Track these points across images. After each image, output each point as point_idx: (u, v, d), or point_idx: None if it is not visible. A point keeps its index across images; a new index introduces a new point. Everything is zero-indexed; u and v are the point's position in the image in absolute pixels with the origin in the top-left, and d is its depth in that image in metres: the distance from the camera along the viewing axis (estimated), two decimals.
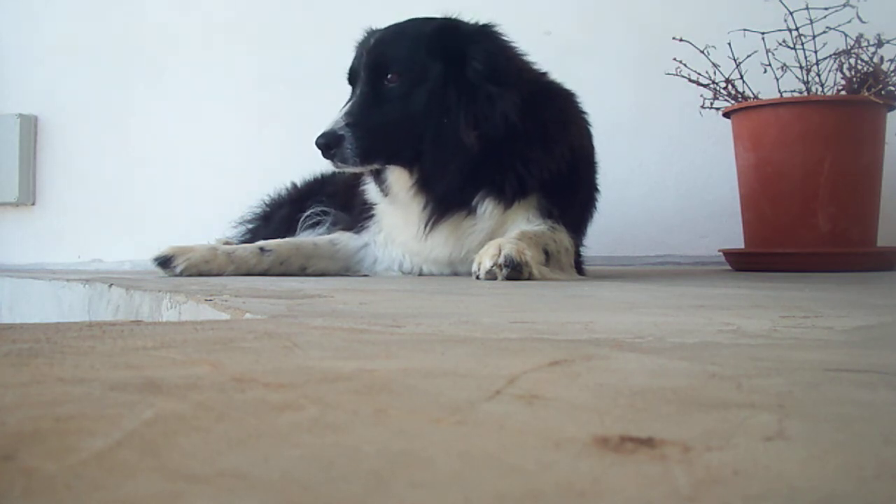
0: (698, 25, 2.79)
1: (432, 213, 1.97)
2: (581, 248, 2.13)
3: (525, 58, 2.05)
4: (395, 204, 2.06)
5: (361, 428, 0.35)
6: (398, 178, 2.02)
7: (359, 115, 1.91)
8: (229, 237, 2.76)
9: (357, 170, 2.00)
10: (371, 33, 2.05)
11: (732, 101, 2.55)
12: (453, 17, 2.01)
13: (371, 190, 2.15)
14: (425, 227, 1.98)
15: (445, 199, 1.96)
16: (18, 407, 0.38)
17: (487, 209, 1.95)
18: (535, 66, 2.08)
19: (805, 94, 2.47)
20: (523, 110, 1.91)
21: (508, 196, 1.94)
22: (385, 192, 2.07)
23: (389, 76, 1.94)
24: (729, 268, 2.61)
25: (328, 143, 1.88)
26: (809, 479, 0.29)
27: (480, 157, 1.90)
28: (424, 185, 1.96)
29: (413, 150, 1.94)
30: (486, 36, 1.94)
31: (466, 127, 1.87)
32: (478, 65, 1.88)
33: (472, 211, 1.96)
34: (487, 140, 1.89)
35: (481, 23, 2.00)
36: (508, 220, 1.96)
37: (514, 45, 2.03)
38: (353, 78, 2.03)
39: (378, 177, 2.08)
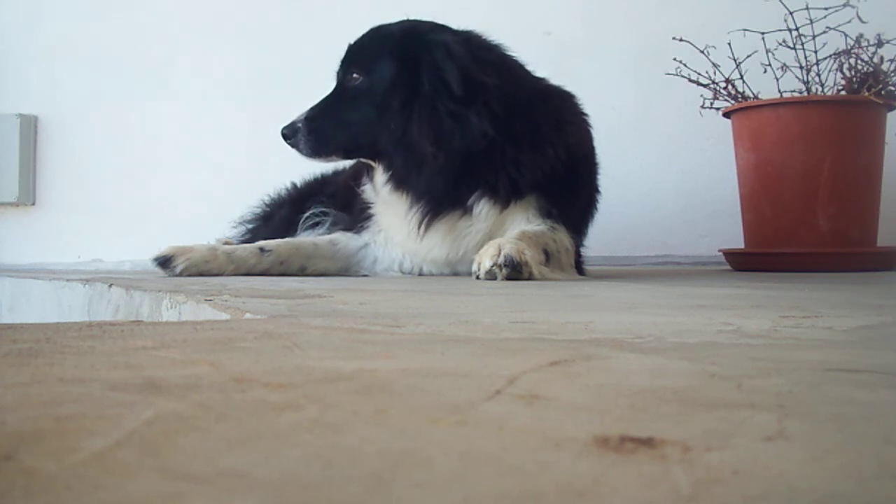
0: (698, 25, 2.79)
1: (424, 213, 1.97)
2: (581, 248, 2.13)
3: (513, 60, 2.04)
4: (384, 201, 2.07)
5: (361, 428, 0.35)
6: (378, 174, 2.05)
7: (319, 110, 2.06)
8: (229, 237, 2.76)
9: (313, 160, 2.13)
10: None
11: (732, 101, 2.55)
12: (440, 21, 2.02)
13: (368, 189, 2.15)
14: (419, 227, 1.98)
15: (434, 199, 1.96)
16: (18, 407, 0.38)
17: (483, 209, 1.95)
18: (531, 72, 2.07)
19: (805, 94, 2.47)
20: (511, 117, 1.91)
21: (503, 197, 1.94)
22: (374, 188, 2.09)
23: (354, 74, 2.02)
24: (729, 268, 2.61)
25: (287, 133, 2.05)
26: (809, 479, 0.29)
27: (461, 159, 1.90)
28: (400, 183, 1.99)
29: (371, 148, 2.02)
30: (442, 47, 1.89)
31: (422, 139, 1.88)
32: (431, 77, 1.88)
33: (467, 211, 1.96)
34: (459, 149, 1.88)
35: (472, 32, 2.00)
36: (507, 220, 1.95)
37: (503, 53, 2.02)
38: (337, 75, 2.10)
39: (370, 174, 2.10)
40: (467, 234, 1.97)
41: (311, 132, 2.02)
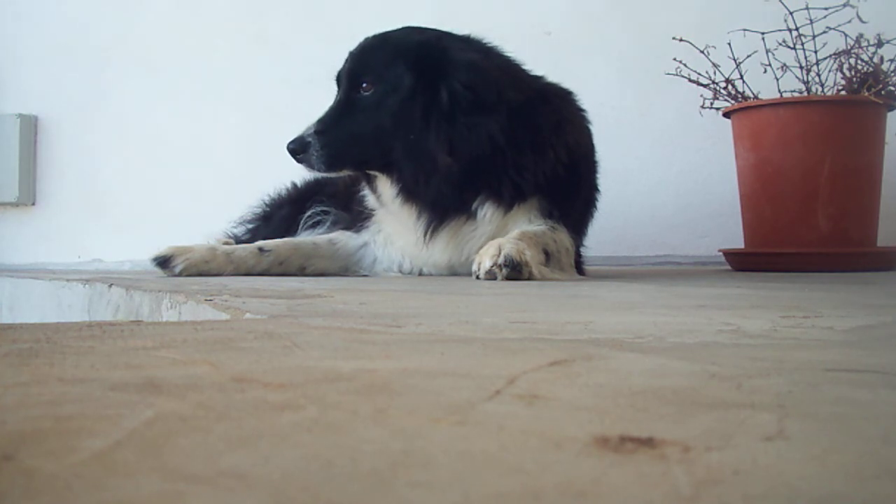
0: (698, 25, 2.79)
1: (430, 221, 1.96)
2: (581, 248, 2.13)
3: (514, 63, 2.03)
4: (390, 212, 2.05)
5: (361, 428, 0.35)
6: (384, 185, 2.02)
7: (328, 123, 1.97)
8: (229, 237, 2.76)
9: (324, 175, 2.07)
10: (364, 39, 2.05)
11: (732, 101, 2.55)
12: (446, 30, 2.01)
13: (369, 197, 2.14)
14: (425, 235, 1.97)
15: (440, 206, 1.95)
16: (18, 407, 0.38)
17: (487, 213, 1.95)
18: (528, 71, 2.06)
19: (805, 94, 2.47)
20: (513, 121, 1.90)
21: (507, 201, 1.94)
22: (378, 199, 2.08)
23: (364, 84, 1.97)
24: (729, 268, 2.60)
25: (296, 149, 1.96)
26: (809, 479, 0.29)
27: (469, 167, 1.89)
28: (409, 194, 1.96)
29: (384, 159, 1.97)
30: (469, 66, 1.88)
31: (438, 149, 1.87)
32: (457, 94, 1.85)
33: (471, 216, 1.96)
34: (470, 158, 1.88)
35: (472, 37, 1.99)
36: (510, 222, 1.95)
37: (501, 54, 2.01)
38: (338, 83, 2.05)
39: (371, 184, 2.08)
40: (471, 238, 1.97)
41: (325, 146, 1.94)
